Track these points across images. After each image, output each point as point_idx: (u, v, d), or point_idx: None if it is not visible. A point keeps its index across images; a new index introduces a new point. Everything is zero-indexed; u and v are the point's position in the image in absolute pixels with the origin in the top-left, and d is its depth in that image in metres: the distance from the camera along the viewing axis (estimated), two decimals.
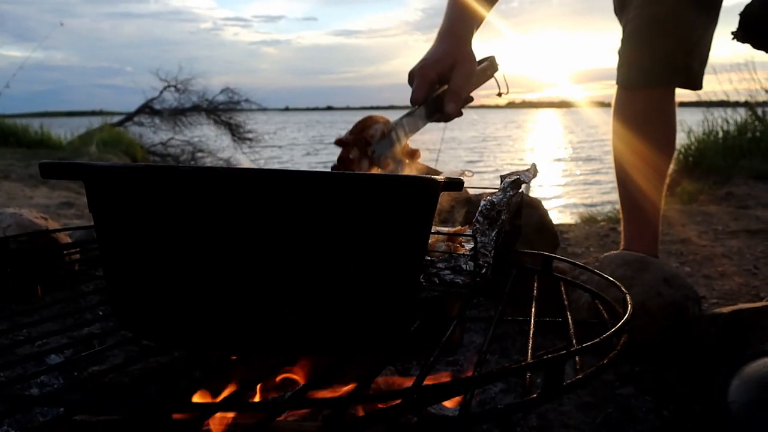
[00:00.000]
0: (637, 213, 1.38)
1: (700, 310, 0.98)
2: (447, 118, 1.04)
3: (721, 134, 4.53)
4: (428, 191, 0.56)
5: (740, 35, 1.23)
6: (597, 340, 0.43)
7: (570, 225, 2.74)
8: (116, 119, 8.85)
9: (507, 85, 1.16)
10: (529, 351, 0.48)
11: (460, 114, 1.05)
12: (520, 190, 0.81)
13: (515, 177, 0.79)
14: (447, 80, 1.02)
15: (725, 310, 0.93)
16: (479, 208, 0.77)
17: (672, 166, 4.23)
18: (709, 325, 0.93)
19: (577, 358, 0.45)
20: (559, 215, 4.33)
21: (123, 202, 0.51)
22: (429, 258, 0.74)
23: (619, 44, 1.36)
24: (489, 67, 1.13)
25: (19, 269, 0.75)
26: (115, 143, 6.22)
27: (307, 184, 0.48)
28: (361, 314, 0.55)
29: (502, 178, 0.81)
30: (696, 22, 1.26)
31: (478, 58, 1.09)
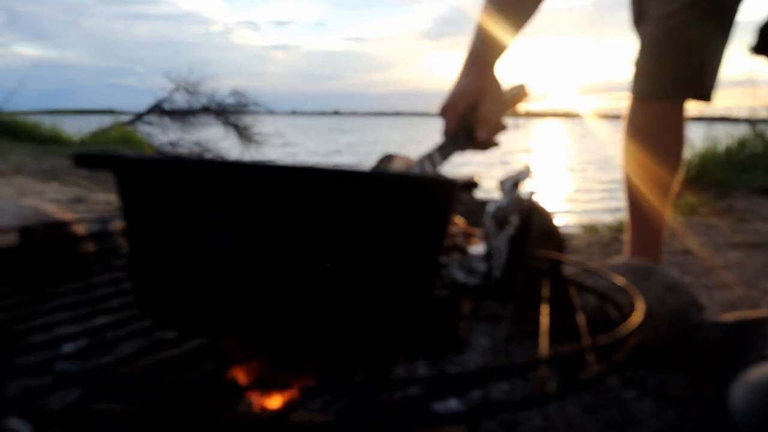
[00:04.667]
0: (644, 221, 1.40)
1: (702, 317, 1.00)
2: (481, 146, 1.07)
3: (722, 149, 4.56)
4: (446, 191, 0.58)
5: (759, 48, 1.25)
6: (615, 336, 0.45)
7: (572, 233, 2.77)
8: (126, 119, 8.92)
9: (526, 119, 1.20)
10: (543, 349, 0.50)
11: (494, 143, 1.09)
12: (528, 196, 0.84)
13: (514, 179, 0.82)
14: (477, 110, 1.06)
15: (728, 317, 0.95)
16: (488, 212, 0.79)
17: (679, 179, 4.25)
18: (712, 332, 0.95)
19: (588, 358, 0.47)
20: (561, 224, 4.34)
21: (152, 193, 0.53)
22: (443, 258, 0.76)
23: (635, 56, 1.39)
24: (520, 94, 1.16)
25: (40, 258, 0.78)
26: (125, 142, 6.28)
27: (328, 179, 0.51)
28: (378, 309, 0.57)
29: (502, 182, 0.85)
30: (710, 36, 1.29)
31: (509, 85, 1.13)
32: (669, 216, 1.45)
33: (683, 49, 1.28)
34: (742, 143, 4.57)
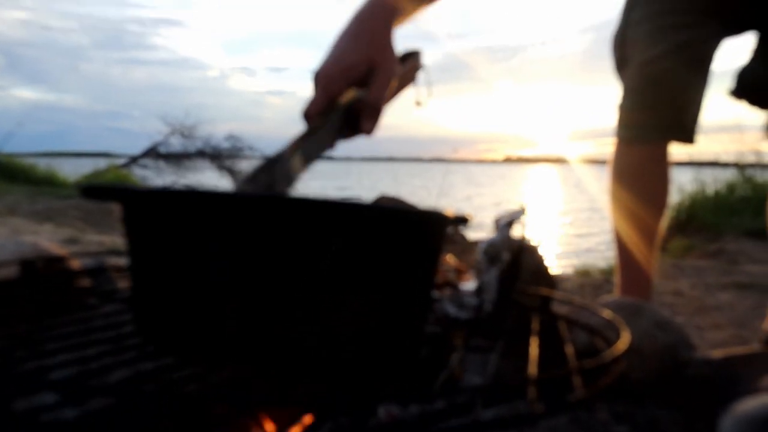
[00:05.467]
0: (632, 262, 1.42)
1: (692, 354, 1.02)
2: (357, 136, 0.83)
3: (711, 193, 4.63)
4: (437, 225, 0.60)
5: (737, 92, 1.31)
6: (600, 361, 0.47)
7: (564, 276, 2.78)
8: (122, 161, 9.00)
9: (430, 90, 0.90)
10: (532, 373, 0.52)
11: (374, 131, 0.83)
12: (520, 235, 0.86)
13: (509, 218, 0.85)
14: (358, 87, 0.81)
15: (717, 353, 0.97)
16: (481, 248, 0.81)
17: (665, 220, 4.28)
18: (702, 367, 0.96)
19: (575, 382, 0.49)
20: (553, 266, 4.36)
21: (157, 223, 0.55)
22: (435, 293, 0.78)
23: (618, 101, 1.43)
24: (412, 68, 0.88)
25: (40, 291, 0.79)
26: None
27: (323, 212, 0.53)
28: (371, 344, 0.58)
29: (497, 221, 0.87)
30: (690, 81, 1.34)
31: (399, 54, 0.86)
32: (657, 256, 1.47)
33: (664, 94, 1.33)
34: (731, 187, 4.65)
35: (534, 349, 0.61)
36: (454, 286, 0.81)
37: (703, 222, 4.12)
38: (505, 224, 0.82)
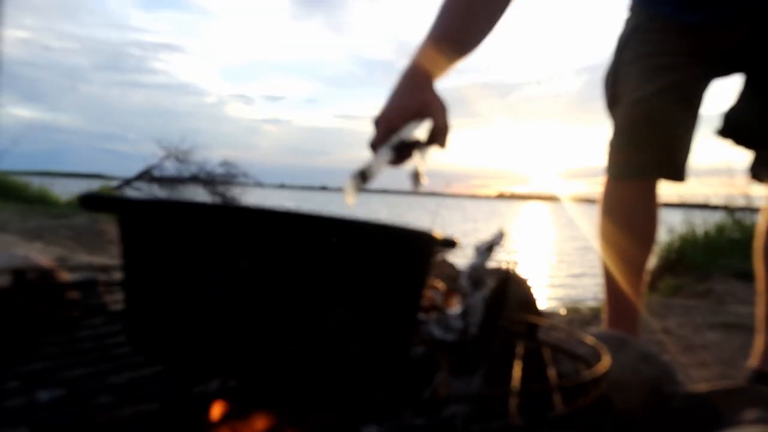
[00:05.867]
0: (620, 297, 1.44)
1: (676, 387, 1.02)
2: (432, 149, 0.99)
3: (701, 234, 4.68)
4: (426, 244, 0.61)
5: (724, 132, 1.34)
6: (580, 379, 0.48)
7: (554, 311, 2.79)
8: (115, 183, 8.97)
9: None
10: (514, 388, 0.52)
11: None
12: (506, 263, 0.87)
13: (488, 243, 0.86)
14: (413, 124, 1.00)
15: (701, 388, 0.97)
16: (464, 273, 0.83)
17: (655, 261, 4.32)
18: (686, 401, 0.97)
19: (555, 400, 0.50)
20: (542, 300, 4.37)
21: (153, 234, 0.56)
22: (422, 316, 0.79)
23: (609, 138, 1.46)
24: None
25: (31, 301, 0.79)
26: None
27: (312, 227, 0.54)
28: (356, 358, 0.58)
29: (477, 247, 0.89)
30: (679, 120, 1.38)
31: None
32: (644, 292, 1.48)
33: (653, 132, 1.36)
34: (720, 229, 4.69)
35: (517, 371, 0.62)
36: (440, 310, 0.82)
37: (692, 263, 4.15)
38: (485, 249, 0.83)
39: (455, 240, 0.69)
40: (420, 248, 0.60)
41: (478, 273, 0.80)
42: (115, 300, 1.02)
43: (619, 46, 1.46)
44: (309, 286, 0.54)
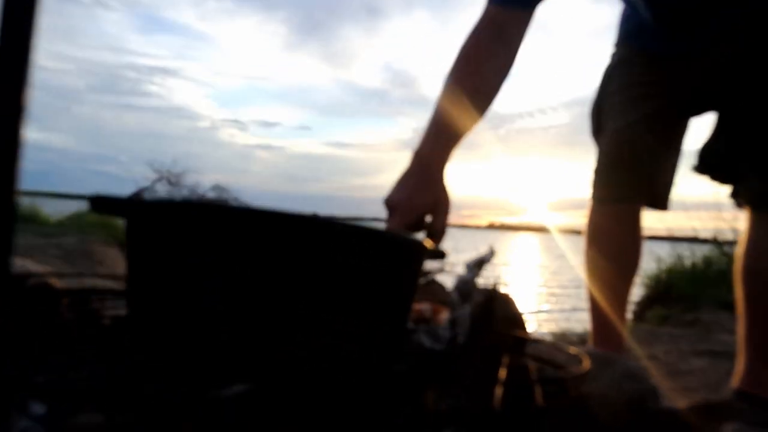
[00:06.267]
0: (604, 318, 1.46)
1: (660, 403, 1.04)
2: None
3: (689, 265, 4.72)
4: (415, 251, 0.64)
5: (699, 168, 1.39)
6: (562, 375, 0.50)
7: (541, 338, 2.80)
8: None
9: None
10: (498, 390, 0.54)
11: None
12: (493, 281, 0.90)
13: (478, 260, 0.90)
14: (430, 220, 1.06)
15: (685, 403, 1.00)
16: (453, 286, 0.86)
17: (643, 291, 4.35)
18: (671, 416, 0.99)
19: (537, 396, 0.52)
20: (531, 327, 4.37)
21: (162, 235, 0.57)
22: (412, 326, 0.81)
23: (594, 164, 1.51)
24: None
25: (29, 305, 0.80)
26: (103, 226, 6.24)
27: (305, 228, 0.55)
28: (348, 362, 0.60)
29: (467, 263, 0.92)
30: (659, 151, 1.43)
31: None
32: (628, 318, 1.51)
33: (633, 159, 1.41)
34: (708, 260, 4.74)
35: (502, 374, 0.64)
36: (429, 323, 0.84)
37: (680, 293, 4.18)
38: (474, 264, 0.86)
39: (444, 251, 0.71)
40: (410, 254, 0.62)
41: (466, 287, 0.83)
42: (110, 307, 1.03)
43: (605, 78, 1.52)
44: (301, 286, 0.56)
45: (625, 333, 1.49)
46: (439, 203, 1.04)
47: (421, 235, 1.03)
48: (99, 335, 0.83)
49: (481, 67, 1.12)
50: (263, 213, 0.55)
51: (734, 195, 1.34)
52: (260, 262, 0.54)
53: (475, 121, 1.12)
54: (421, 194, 1.04)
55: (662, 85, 1.38)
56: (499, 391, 0.45)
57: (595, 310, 1.49)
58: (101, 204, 0.56)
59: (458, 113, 1.10)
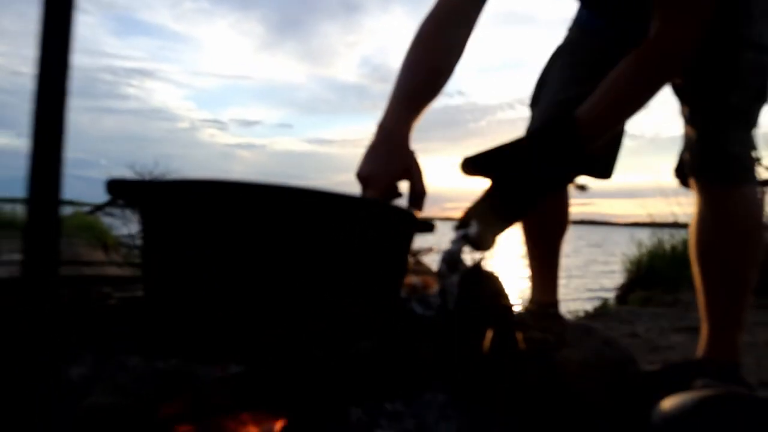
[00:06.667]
0: (539, 271, 1.57)
1: (637, 368, 1.11)
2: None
3: (669, 249, 4.84)
4: (406, 220, 0.68)
5: (678, 172, 1.45)
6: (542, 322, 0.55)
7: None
8: (86, 209, 8.84)
9: None
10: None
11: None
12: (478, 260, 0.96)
13: (463, 232, 0.95)
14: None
15: (656, 366, 1.07)
16: (441, 258, 0.91)
17: (626, 276, 4.45)
18: (649, 378, 1.06)
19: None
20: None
21: (178, 216, 0.59)
22: (404, 295, 0.86)
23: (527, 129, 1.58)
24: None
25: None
26: (88, 228, 6.20)
27: (306, 202, 0.59)
28: (344, 331, 0.64)
29: (452, 238, 0.98)
30: None
31: None
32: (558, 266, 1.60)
33: None
34: (687, 244, 4.86)
35: (489, 334, 0.69)
36: (420, 292, 0.89)
37: (661, 276, 4.29)
38: (459, 237, 0.91)
39: (432, 223, 0.76)
40: (400, 223, 0.67)
41: (453, 258, 0.88)
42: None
43: (555, 53, 1.57)
44: (297, 256, 0.59)
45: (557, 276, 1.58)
46: (410, 169, 1.07)
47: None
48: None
49: (438, 46, 1.18)
50: (282, 188, 0.57)
51: (678, 170, 1.38)
52: (280, 234, 0.57)
53: (433, 95, 1.17)
54: (392, 162, 1.06)
55: (599, 66, 1.43)
56: (487, 342, 0.50)
57: (533, 264, 1.60)
58: (118, 188, 0.60)
59: (417, 88, 1.14)
